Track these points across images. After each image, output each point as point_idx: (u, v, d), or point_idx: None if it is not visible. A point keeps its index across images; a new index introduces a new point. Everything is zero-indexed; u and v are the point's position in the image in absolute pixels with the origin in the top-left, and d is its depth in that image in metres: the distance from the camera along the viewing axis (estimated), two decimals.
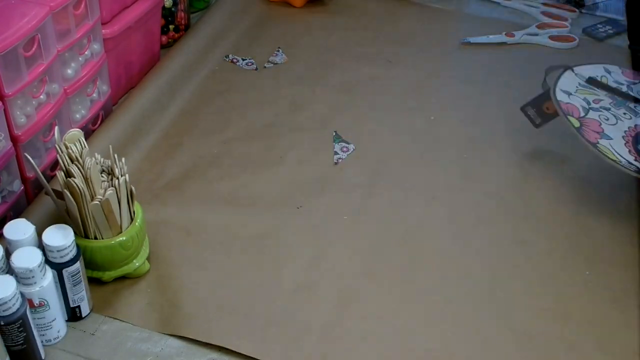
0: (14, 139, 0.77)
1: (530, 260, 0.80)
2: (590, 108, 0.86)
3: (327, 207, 0.85)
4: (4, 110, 0.74)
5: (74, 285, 0.69)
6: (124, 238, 0.71)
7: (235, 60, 0.96)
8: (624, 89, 0.91)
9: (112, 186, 0.69)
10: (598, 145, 0.81)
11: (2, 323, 0.62)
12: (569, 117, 0.85)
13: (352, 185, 0.88)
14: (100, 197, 0.68)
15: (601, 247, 0.82)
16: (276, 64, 1.09)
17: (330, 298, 0.75)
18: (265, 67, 1.09)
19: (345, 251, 0.80)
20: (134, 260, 0.74)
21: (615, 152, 0.81)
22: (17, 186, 0.80)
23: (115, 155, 0.72)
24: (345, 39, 1.17)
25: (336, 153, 0.93)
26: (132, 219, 0.73)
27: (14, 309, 0.62)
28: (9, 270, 0.65)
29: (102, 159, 0.72)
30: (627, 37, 1.19)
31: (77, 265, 0.68)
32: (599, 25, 1.21)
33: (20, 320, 0.63)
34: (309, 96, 1.03)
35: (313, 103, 1.02)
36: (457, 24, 1.24)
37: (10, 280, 0.62)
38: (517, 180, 0.91)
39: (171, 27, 1.11)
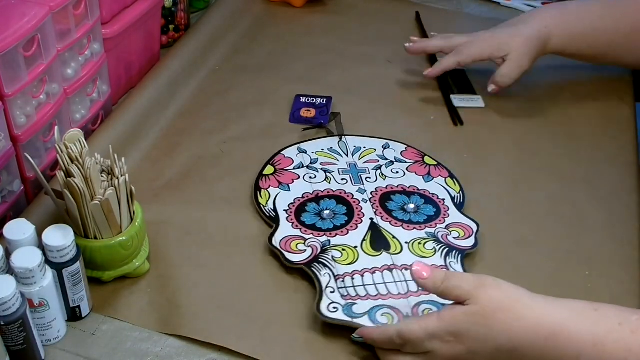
0: (14, 139, 0.77)
1: (530, 260, 0.80)
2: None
3: None
4: (4, 110, 0.74)
5: (74, 285, 0.69)
6: (124, 238, 0.71)
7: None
8: None
9: (112, 186, 0.69)
10: None
11: (2, 323, 0.62)
12: None
13: None
14: (100, 197, 0.68)
15: (601, 247, 0.82)
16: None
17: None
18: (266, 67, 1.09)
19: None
20: (134, 260, 0.74)
21: None
22: (17, 186, 0.80)
23: (115, 155, 0.72)
24: (345, 39, 1.17)
25: None
26: (132, 219, 0.73)
27: (14, 309, 0.62)
28: (9, 270, 0.65)
29: (102, 159, 0.72)
30: None
31: (77, 265, 0.68)
32: None
33: (20, 320, 0.63)
34: None
35: None
36: (457, 24, 1.24)
37: (10, 280, 0.62)
38: (517, 180, 0.91)
39: (171, 27, 1.11)
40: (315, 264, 0.75)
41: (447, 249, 0.77)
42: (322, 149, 0.91)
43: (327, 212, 0.81)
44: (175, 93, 1.01)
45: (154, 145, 0.93)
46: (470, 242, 0.79)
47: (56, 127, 0.77)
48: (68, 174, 0.68)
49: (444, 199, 0.84)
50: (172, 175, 0.89)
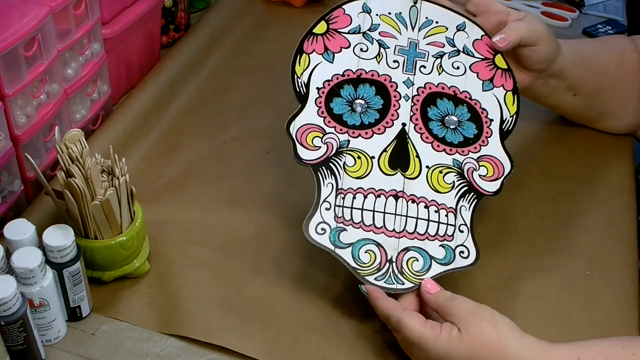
0: (14, 139, 0.77)
1: (530, 260, 0.80)
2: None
3: None
4: (4, 110, 0.74)
5: (74, 285, 0.69)
6: (125, 238, 0.72)
7: None
8: None
9: (113, 186, 0.69)
10: None
11: (3, 323, 0.62)
12: None
13: None
14: (101, 197, 0.68)
15: (601, 247, 0.82)
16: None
17: (331, 298, 0.75)
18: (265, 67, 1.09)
19: None
20: (134, 260, 0.74)
21: None
22: (17, 186, 0.80)
23: (116, 155, 0.72)
24: None
25: None
26: (132, 219, 0.73)
27: (14, 309, 0.62)
28: (9, 270, 0.65)
29: (102, 159, 0.72)
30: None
31: (78, 265, 0.68)
32: (599, 26, 1.21)
33: (21, 321, 0.63)
34: None
35: None
36: None
37: (10, 281, 0.62)
38: (517, 179, 0.91)
39: (171, 27, 1.11)
40: (323, 167, 0.71)
41: (466, 187, 0.72)
42: (389, 13, 0.78)
43: (360, 102, 0.74)
44: (175, 93, 1.01)
45: (154, 145, 0.93)
46: (494, 186, 0.73)
47: (56, 127, 0.77)
48: (68, 174, 0.68)
49: (492, 120, 0.76)
50: (172, 175, 0.89)
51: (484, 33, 0.79)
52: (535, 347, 0.62)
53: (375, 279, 0.68)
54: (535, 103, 1.00)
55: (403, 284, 0.69)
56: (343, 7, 0.78)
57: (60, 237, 0.66)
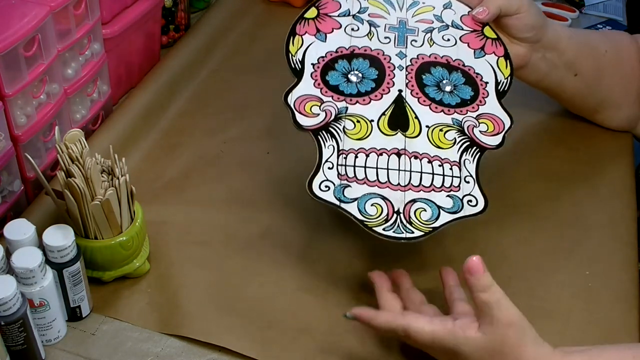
0: (14, 139, 0.77)
1: (530, 259, 0.80)
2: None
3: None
4: (4, 110, 0.74)
5: (74, 285, 0.69)
6: (125, 238, 0.72)
7: None
8: None
9: (113, 186, 0.69)
10: None
11: (3, 323, 0.62)
12: None
13: None
14: (101, 197, 0.68)
15: (601, 247, 0.82)
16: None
17: (331, 298, 0.75)
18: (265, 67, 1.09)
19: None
20: (134, 260, 0.74)
21: None
22: (17, 186, 0.80)
23: (116, 155, 0.72)
24: None
25: None
26: (132, 219, 0.73)
27: (14, 309, 0.62)
28: (9, 270, 0.65)
29: (102, 159, 0.72)
30: None
31: (78, 265, 0.68)
32: (599, 26, 1.21)
33: (21, 321, 0.63)
34: None
35: None
36: None
37: (10, 281, 0.62)
38: (517, 179, 0.91)
39: (171, 27, 1.11)
40: (323, 131, 0.71)
41: (467, 143, 0.72)
42: None
43: (356, 73, 0.75)
44: (175, 93, 1.01)
45: (154, 145, 0.93)
46: (496, 140, 0.73)
47: (56, 127, 0.77)
48: (68, 174, 0.68)
49: (487, 82, 0.77)
50: (172, 175, 0.89)
51: (470, 9, 0.82)
52: (549, 356, 0.62)
53: (383, 229, 0.67)
54: (535, 103, 1.00)
55: (412, 232, 0.68)
56: None
57: (60, 237, 0.66)
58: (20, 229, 0.67)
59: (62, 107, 0.83)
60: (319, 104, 0.73)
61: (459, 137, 0.73)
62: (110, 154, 0.72)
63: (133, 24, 0.95)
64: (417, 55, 0.77)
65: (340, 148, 0.71)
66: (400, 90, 0.74)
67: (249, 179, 0.88)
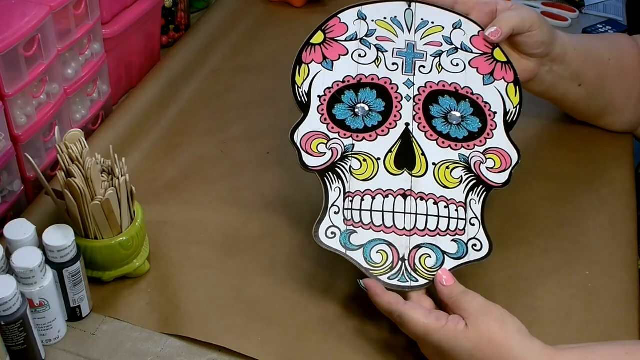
0: (14, 139, 0.77)
1: (530, 259, 0.80)
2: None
3: None
4: (4, 110, 0.74)
5: (75, 285, 0.69)
6: (125, 238, 0.72)
7: None
8: None
9: (113, 186, 0.69)
10: None
11: (3, 323, 0.62)
12: None
13: None
14: (101, 197, 0.68)
15: (601, 247, 0.82)
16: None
17: (331, 298, 0.75)
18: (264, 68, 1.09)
19: None
20: (134, 260, 0.74)
21: None
22: (18, 186, 0.80)
23: (116, 155, 0.72)
24: None
25: None
26: (132, 219, 0.73)
27: (14, 309, 0.62)
28: (9, 270, 0.65)
29: (102, 159, 0.72)
30: None
31: (78, 265, 0.68)
32: (599, 26, 1.21)
33: (21, 320, 0.63)
34: None
35: None
36: None
37: (10, 281, 0.62)
38: (517, 180, 0.91)
39: (171, 27, 1.11)
40: (329, 172, 0.71)
41: (474, 181, 0.72)
42: (385, 18, 0.79)
43: (362, 105, 0.74)
44: (175, 93, 1.01)
45: (154, 145, 0.93)
46: (503, 177, 0.73)
47: (56, 127, 0.77)
48: (68, 174, 0.68)
49: (495, 112, 0.76)
50: (172, 175, 0.89)
51: (480, 29, 0.80)
52: (541, 351, 0.62)
53: (389, 278, 0.68)
54: (536, 103, 1.00)
55: (417, 281, 0.69)
56: (338, 16, 0.79)
57: (60, 237, 0.66)
58: (20, 229, 0.67)
59: (62, 107, 0.83)
60: (326, 141, 0.73)
61: (465, 174, 0.73)
62: (110, 154, 0.72)
63: (133, 24, 0.95)
64: (425, 84, 0.76)
65: (347, 190, 0.71)
66: (407, 124, 0.74)
67: (249, 179, 0.88)
